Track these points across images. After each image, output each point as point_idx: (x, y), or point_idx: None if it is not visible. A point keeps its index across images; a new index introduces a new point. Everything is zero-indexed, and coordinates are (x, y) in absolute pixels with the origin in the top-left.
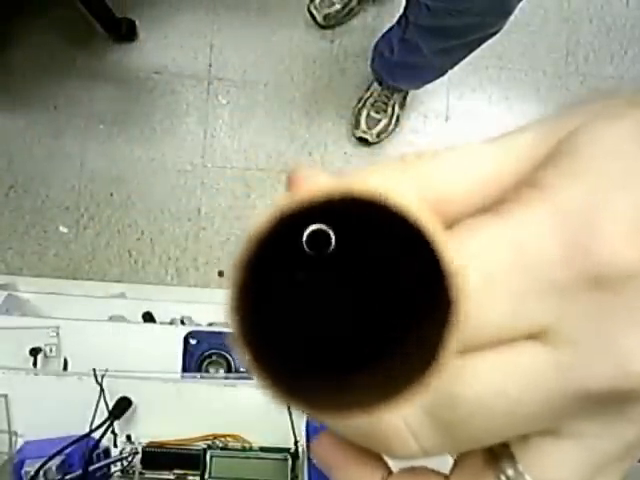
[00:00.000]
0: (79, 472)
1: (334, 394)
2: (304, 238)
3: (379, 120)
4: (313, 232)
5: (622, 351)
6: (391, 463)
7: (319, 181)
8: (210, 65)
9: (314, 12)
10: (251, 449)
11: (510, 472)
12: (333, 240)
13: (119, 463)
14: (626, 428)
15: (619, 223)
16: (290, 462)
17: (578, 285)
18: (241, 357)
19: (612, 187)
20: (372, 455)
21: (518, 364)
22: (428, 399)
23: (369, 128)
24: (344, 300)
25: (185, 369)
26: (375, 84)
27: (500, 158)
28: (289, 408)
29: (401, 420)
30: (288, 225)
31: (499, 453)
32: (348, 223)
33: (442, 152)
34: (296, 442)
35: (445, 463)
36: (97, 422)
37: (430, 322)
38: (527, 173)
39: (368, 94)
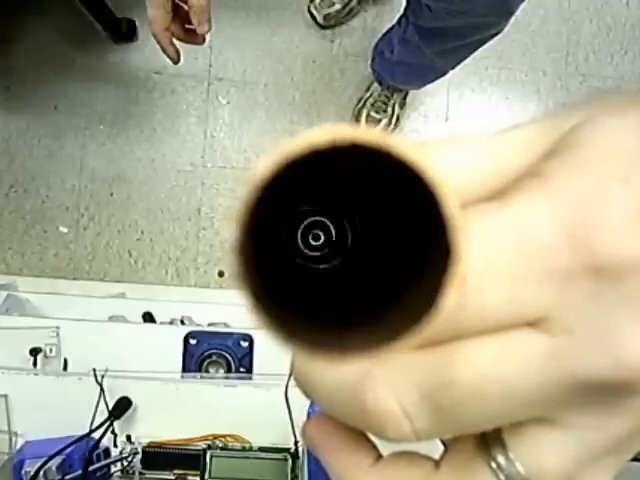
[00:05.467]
0: (79, 472)
1: (333, 340)
2: (300, 236)
3: (379, 120)
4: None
5: (617, 342)
6: (381, 448)
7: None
8: (210, 65)
9: (314, 12)
10: (251, 449)
11: (501, 459)
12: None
13: (119, 463)
14: (618, 422)
15: (620, 214)
16: (290, 462)
17: (577, 274)
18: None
19: (614, 179)
20: (363, 439)
21: (514, 350)
22: (425, 375)
23: None
24: (347, 252)
25: (185, 369)
26: (375, 84)
27: (501, 151)
28: (289, 408)
29: (396, 402)
30: (293, 169)
31: (490, 440)
32: (352, 170)
33: (443, 142)
34: (296, 442)
35: (436, 449)
36: (97, 422)
37: (430, 273)
38: (528, 166)
39: (368, 94)
